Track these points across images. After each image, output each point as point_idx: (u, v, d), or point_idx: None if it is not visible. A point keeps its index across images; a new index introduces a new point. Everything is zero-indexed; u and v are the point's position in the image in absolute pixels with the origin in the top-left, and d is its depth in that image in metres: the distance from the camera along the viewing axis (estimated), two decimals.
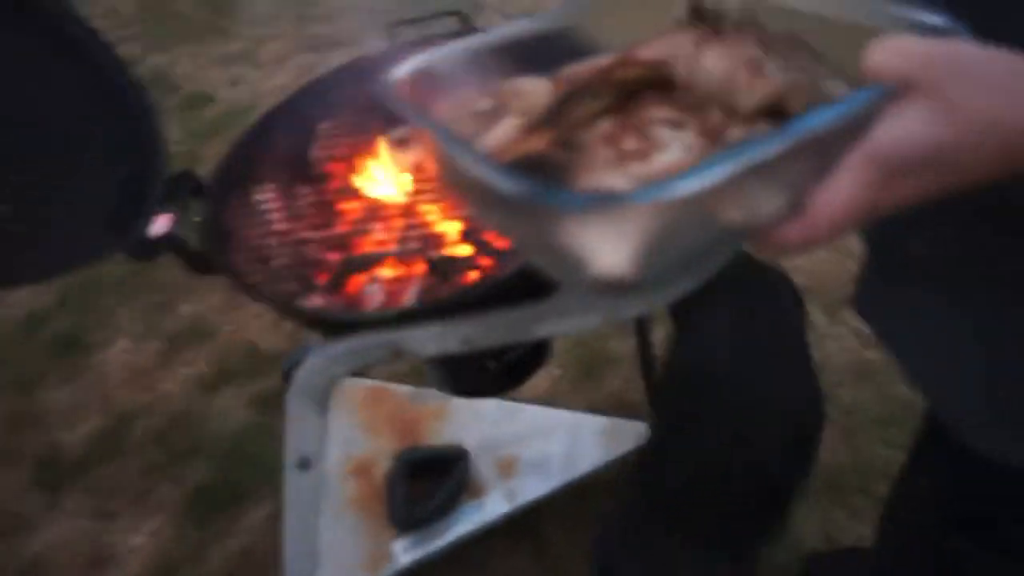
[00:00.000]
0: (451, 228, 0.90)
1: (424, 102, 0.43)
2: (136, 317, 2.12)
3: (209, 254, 0.86)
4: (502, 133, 0.41)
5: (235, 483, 1.66)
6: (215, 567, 1.53)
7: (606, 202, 0.32)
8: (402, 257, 0.88)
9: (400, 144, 0.90)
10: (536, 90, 0.43)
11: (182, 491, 1.67)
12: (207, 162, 2.51)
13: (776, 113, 0.41)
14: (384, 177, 0.98)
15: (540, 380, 1.74)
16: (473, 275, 0.84)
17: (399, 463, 1.47)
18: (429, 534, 1.38)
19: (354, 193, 0.99)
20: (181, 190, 0.90)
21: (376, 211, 0.95)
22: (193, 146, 2.73)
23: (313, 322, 0.84)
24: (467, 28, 1.09)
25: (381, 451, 1.53)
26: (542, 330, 0.79)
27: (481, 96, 0.45)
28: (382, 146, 0.94)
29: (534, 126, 0.40)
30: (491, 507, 1.41)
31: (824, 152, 0.36)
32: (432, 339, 0.77)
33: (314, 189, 1.00)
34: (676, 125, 0.41)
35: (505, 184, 0.33)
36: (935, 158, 0.36)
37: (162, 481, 1.70)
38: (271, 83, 3.07)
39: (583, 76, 0.43)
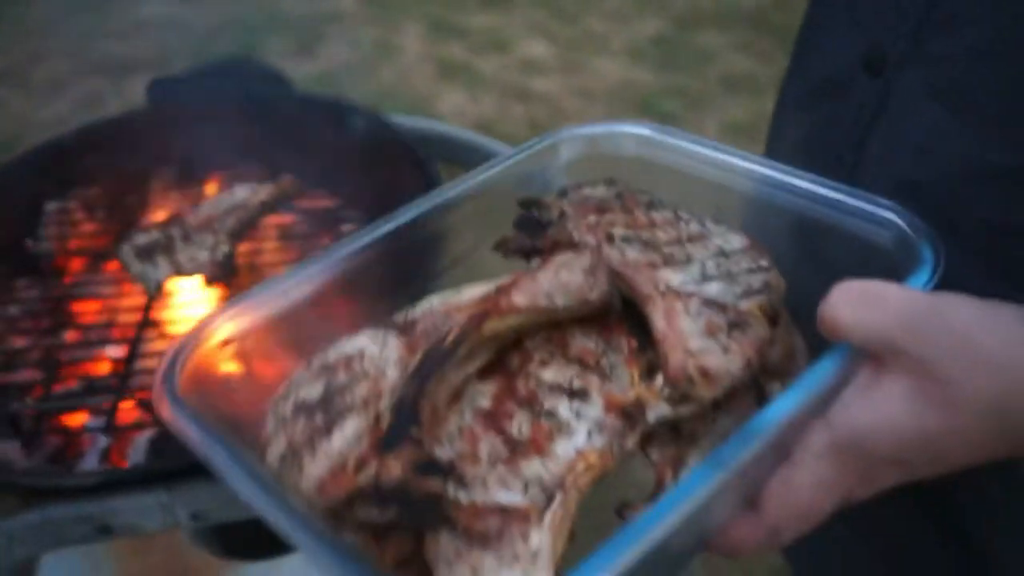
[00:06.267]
0: None
1: (224, 395, 0.40)
2: None
3: None
4: (340, 448, 0.35)
5: None
6: None
7: None
8: (130, 392, 0.80)
9: (144, 253, 0.84)
10: (381, 361, 0.38)
11: None
12: None
13: None
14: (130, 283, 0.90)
15: None
16: None
17: None
18: None
19: (89, 296, 0.91)
20: None
21: (113, 325, 0.87)
22: None
23: None
24: (258, 72, 1.05)
25: None
26: None
27: (306, 373, 0.40)
28: (122, 254, 0.87)
29: (388, 428, 0.36)
30: None
31: (783, 438, 0.35)
32: (152, 512, 0.70)
33: (35, 285, 0.91)
34: (575, 395, 0.39)
35: None
36: (923, 447, 0.35)
37: None
38: (44, 112, 2.91)
39: (441, 329, 0.39)
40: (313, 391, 0.38)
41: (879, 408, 0.35)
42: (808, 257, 0.45)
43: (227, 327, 0.41)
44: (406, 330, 0.40)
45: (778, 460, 0.36)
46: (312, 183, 0.97)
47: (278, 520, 0.32)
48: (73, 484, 0.71)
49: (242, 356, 0.42)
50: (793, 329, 0.44)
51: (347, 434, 0.36)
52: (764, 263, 0.43)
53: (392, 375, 0.38)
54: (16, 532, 0.70)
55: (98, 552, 1.48)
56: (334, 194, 0.96)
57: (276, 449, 0.37)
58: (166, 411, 0.37)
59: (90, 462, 0.78)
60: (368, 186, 0.91)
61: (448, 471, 0.35)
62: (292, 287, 0.43)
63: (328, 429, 0.36)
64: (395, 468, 0.34)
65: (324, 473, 0.35)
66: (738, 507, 0.37)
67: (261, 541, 1.01)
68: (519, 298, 0.39)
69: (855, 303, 0.36)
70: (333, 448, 0.36)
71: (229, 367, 0.41)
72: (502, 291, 0.40)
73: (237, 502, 0.71)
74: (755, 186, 0.46)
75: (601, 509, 0.39)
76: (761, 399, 0.40)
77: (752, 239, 0.44)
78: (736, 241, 0.44)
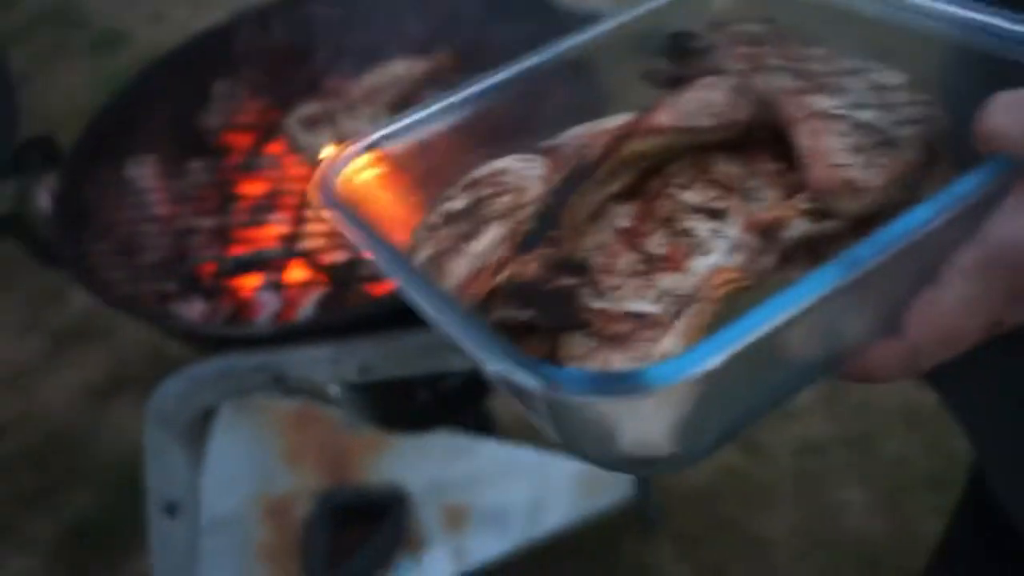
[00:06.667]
0: None
1: (377, 205, 0.42)
2: (15, 307, 2.11)
3: (57, 241, 0.85)
4: (482, 251, 0.38)
5: (125, 520, 1.64)
6: None
7: (625, 391, 0.29)
8: (299, 258, 0.86)
9: (309, 124, 0.89)
10: (525, 177, 0.41)
11: (57, 527, 1.66)
12: None
13: None
14: (292, 156, 0.97)
15: (502, 406, 1.71)
16: (381, 287, 0.83)
17: (321, 505, 1.45)
18: None
19: (255, 173, 0.98)
20: (31, 159, 0.89)
21: (277, 198, 0.94)
22: (100, 98, 2.70)
23: (179, 335, 0.83)
24: None
25: (303, 488, 1.51)
26: (463, 361, 0.78)
27: (454, 189, 0.42)
28: (288, 126, 0.93)
29: (526, 235, 0.38)
30: (433, 567, 1.39)
31: (927, 251, 0.34)
32: (322, 365, 0.76)
33: (205, 165, 0.99)
34: (714, 215, 0.40)
35: (481, 360, 0.31)
36: None
37: (34, 513, 1.69)
38: (202, 21, 3.04)
39: (585, 151, 0.40)
40: (459, 203, 0.41)
41: None
42: (976, 98, 0.43)
43: (377, 149, 0.44)
44: (550, 152, 0.42)
45: (923, 282, 0.35)
46: (470, 61, 0.99)
47: (427, 300, 0.33)
48: (251, 334, 0.78)
49: (391, 174, 0.44)
50: (954, 172, 0.43)
51: (489, 239, 0.38)
52: (925, 97, 0.42)
53: (535, 189, 0.40)
54: (201, 378, 0.78)
55: (265, 424, 1.60)
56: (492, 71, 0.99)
57: (422, 255, 0.40)
58: (323, 204, 0.39)
59: (265, 319, 0.85)
60: None
61: (582, 269, 0.37)
62: (439, 116, 0.45)
63: (472, 235, 0.39)
64: (531, 266, 0.36)
65: (466, 274, 0.38)
66: (876, 328, 0.36)
67: (415, 412, 1.07)
68: (663, 118, 0.40)
69: (1015, 109, 0.34)
70: (475, 251, 0.38)
71: (378, 184, 0.44)
72: (646, 112, 0.41)
73: (402, 357, 0.78)
74: (923, 22, 0.44)
75: None
76: None
77: (914, 77, 0.43)
78: (896, 77, 0.43)
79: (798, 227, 0.38)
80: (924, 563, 0.83)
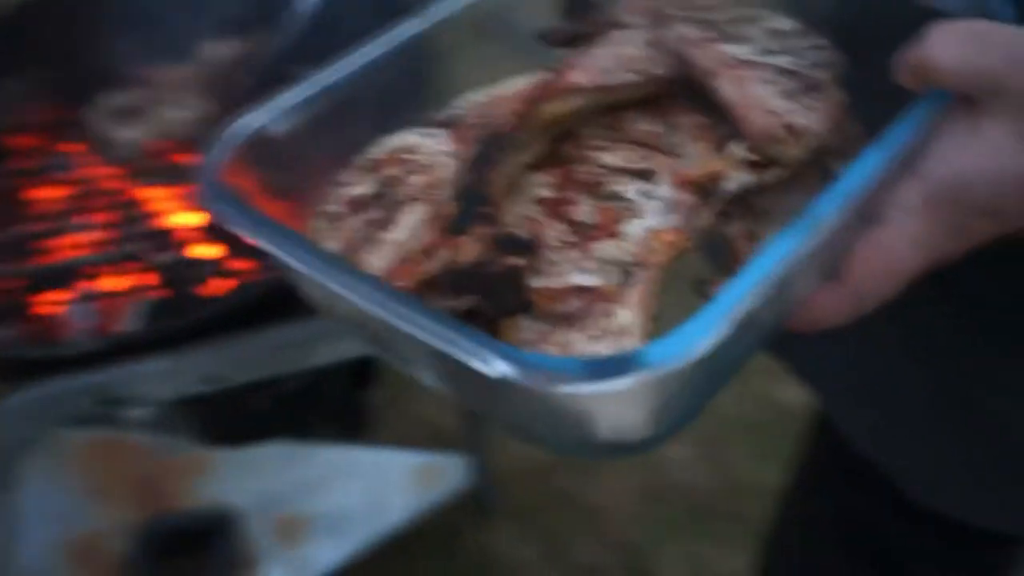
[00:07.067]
0: (189, 220, 0.81)
1: (266, 195, 0.37)
2: None
3: None
4: (404, 238, 0.34)
5: None
6: None
7: (623, 375, 0.27)
8: (119, 264, 0.78)
9: (120, 116, 0.81)
10: (433, 153, 0.37)
11: None
12: None
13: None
14: (94, 154, 0.87)
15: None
16: (221, 286, 0.76)
17: (139, 540, 1.36)
18: None
19: (52, 176, 0.88)
20: None
21: (82, 201, 0.85)
22: None
23: None
24: None
25: (114, 524, 1.41)
26: (320, 356, 0.73)
27: (351, 172, 0.38)
28: (94, 115, 0.84)
29: (450, 215, 0.34)
30: None
31: (875, 196, 0.34)
32: (161, 379, 0.69)
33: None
34: (641, 175, 0.37)
35: (465, 358, 0.28)
36: None
37: None
38: None
39: (491, 120, 0.37)
40: (364, 187, 0.37)
41: (979, 152, 0.33)
42: (860, 37, 0.43)
43: (252, 136, 0.38)
44: (452, 124, 0.39)
45: (863, 226, 0.36)
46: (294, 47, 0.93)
47: (366, 293, 0.30)
48: (72, 353, 0.69)
49: (268, 163, 0.39)
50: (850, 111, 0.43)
51: (410, 223, 0.35)
52: (821, 41, 0.42)
53: (449, 164, 0.37)
54: (18, 411, 0.69)
55: (61, 460, 1.48)
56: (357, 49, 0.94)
57: (330, 248, 0.36)
58: (209, 203, 0.35)
59: (82, 335, 0.76)
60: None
61: (529, 246, 0.35)
62: (310, 99, 0.40)
63: (388, 221, 0.35)
64: (472, 247, 0.33)
65: (390, 264, 0.34)
66: (821, 279, 0.36)
67: (250, 422, 1.01)
68: (579, 77, 0.38)
69: (959, 42, 0.33)
70: (396, 238, 0.35)
71: (258, 175, 0.39)
72: (558, 72, 0.38)
73: (252, 360, 0.72)
74: None
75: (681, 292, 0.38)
76: (826, 178, 0.39)
77: (803, 22, 0.43)
78: (787, 23, 0.43)
79: (737, 179, 0.37)
80: (749, 502, 0.87)
